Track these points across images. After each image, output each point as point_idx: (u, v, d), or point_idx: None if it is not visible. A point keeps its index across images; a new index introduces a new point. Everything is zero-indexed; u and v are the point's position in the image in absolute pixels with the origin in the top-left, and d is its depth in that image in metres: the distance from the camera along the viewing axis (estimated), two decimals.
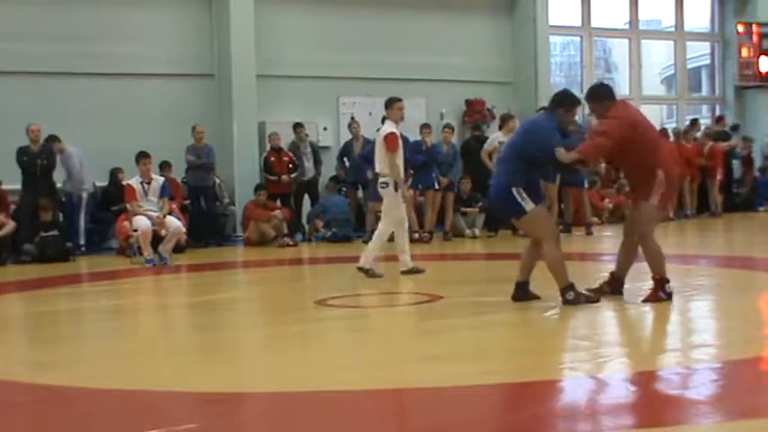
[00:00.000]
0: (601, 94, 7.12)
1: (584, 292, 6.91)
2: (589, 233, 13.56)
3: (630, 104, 7.40)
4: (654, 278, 6.90)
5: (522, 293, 7.02)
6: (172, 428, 4.06)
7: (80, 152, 13.07)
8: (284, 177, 14.02)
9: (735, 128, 18.30)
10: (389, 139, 9.16)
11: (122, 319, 7.75)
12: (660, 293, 6.82)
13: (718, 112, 19.74)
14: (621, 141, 6.76)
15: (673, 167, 7.20)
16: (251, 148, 14.75)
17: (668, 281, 6.89)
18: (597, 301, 6.88)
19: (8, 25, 13.58)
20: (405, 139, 14.04)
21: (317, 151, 14.56)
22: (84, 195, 13.16)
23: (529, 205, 6.78)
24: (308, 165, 14.37)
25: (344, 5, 15.86)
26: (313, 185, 14.59)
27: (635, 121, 6.94)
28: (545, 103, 10.44)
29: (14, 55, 13.48)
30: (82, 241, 13.04)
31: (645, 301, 6.83)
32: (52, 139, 12.76)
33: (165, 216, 11.39)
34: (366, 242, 13.40)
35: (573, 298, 6.75)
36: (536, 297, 7.04)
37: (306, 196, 14.62)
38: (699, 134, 17.17)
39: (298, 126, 14.38)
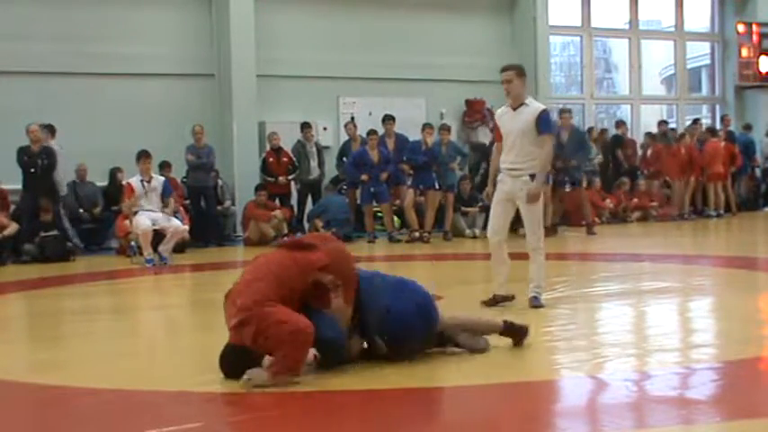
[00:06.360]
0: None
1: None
2: (591, 233, 13.51)
3: None
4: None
5: None
6: (172, 428, 4.06)
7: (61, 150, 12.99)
8: (281, 179, 14.00)
9: (747, 127, 18.26)
10: None
11: (122, 319, 7.76)
12: None
13: (718, 112, 19.75)
14: None
15: None
16: (251, 148, 14.74)
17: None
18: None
19: (8, 25, 13.57)
20: (404, 139, 14.15)
21: (321, 152, 14.55)
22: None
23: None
24: (314, 165, 14.36)
25: (344, 5, 15.85)
26: (317, 186, 14.59)
27: None
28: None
29: (14, 55, 13.48)
30: (76, 240, 13.01)
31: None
32: (50, 129, 12.86)
33: (173, 214, 11.47)
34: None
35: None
36: None
37: (309, 196, 14.60)
38: (701, 134, 17.11)
39: (305, 126, 14.34)
